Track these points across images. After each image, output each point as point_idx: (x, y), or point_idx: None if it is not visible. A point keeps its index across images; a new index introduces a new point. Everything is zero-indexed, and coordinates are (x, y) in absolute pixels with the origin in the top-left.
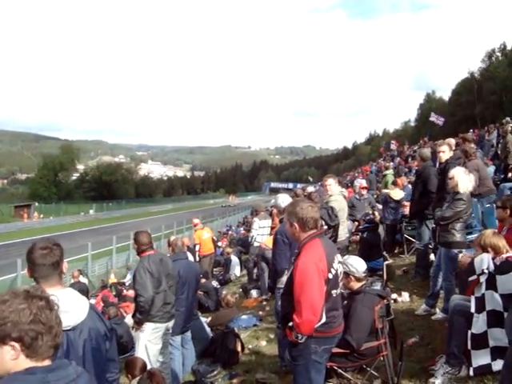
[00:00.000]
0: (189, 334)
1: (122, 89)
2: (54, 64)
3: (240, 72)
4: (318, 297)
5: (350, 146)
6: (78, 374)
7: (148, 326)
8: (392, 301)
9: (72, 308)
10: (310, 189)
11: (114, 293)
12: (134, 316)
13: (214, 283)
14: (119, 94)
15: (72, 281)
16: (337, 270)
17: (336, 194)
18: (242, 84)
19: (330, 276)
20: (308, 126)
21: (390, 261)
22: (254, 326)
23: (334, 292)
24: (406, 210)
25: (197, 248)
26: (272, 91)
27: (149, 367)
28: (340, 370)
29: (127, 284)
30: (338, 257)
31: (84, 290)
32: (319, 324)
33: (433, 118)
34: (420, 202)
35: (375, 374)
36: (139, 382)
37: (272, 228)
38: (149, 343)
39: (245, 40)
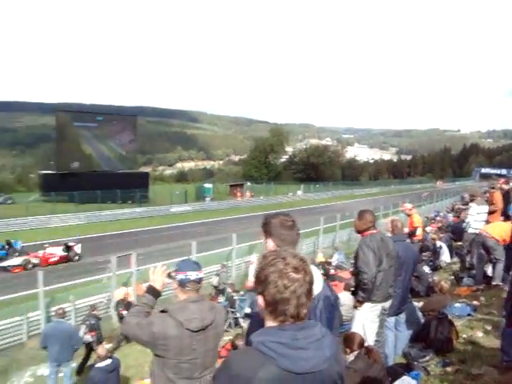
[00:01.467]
0: (403, 316)
1: (328, 73)
2: (263, 53)
3: (444, 52)
4: None
5: None
6: (323, 334)
7: (366, 305)
8: None
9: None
10: None
11: (321, 272)
12: (354, 293)
13: (426, 268)
14: (326, 78)
15: None
16: None
17: None
18: (446, 64)
19: None
20: None
21: None
22: (468, 315)
23: None
24: None
25: (418, 232)
26: (481, 71)
27: (365, 344)
28: None
29: (333, 264)
30: None
31: None
32: None
33: None
34: None
35: None
36: (357, 356)
37: (491, 213)
38: (366, 321)
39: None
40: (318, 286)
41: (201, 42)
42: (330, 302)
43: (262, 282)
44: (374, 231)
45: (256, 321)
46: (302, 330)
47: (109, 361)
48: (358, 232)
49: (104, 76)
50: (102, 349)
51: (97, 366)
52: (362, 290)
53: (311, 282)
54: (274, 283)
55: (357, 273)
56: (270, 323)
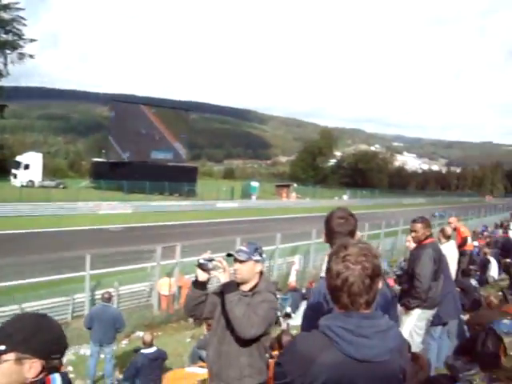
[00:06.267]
0: (447, 326)
1: (382, 80)
2: (319, 55)
3: (500, 63)
4: None
5: None
6: (389, 327)
7: (415, 312)
8: None
9: None
10: None
11: None
12: (401, 299)
13: (473, 282)
14: (379, 85)
15: None
16: None
17: None
18: (503, 77)
19: None
20: None
21: None
22: None
23: None
24: None
25: (469, 241)
26: None
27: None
28: None
29: None
30: None
31: None
32: None
33: None
34: None
35: None
36: None
37: None
38: (414, 328)
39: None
40: None
41: (259, 41)
42: (387, 298)
43: (326, 268)
44: (433, 239)
45: (311, 311)
46: (367, 319)
47: (154, 349)
48: (419, 241)
49: (160, 69)
50: (148, 335)
51: (142, 351)
52: (413, 298)
53: (371, 275)
54: (331, 269)
55: (408, 280)
56: (336, 309)
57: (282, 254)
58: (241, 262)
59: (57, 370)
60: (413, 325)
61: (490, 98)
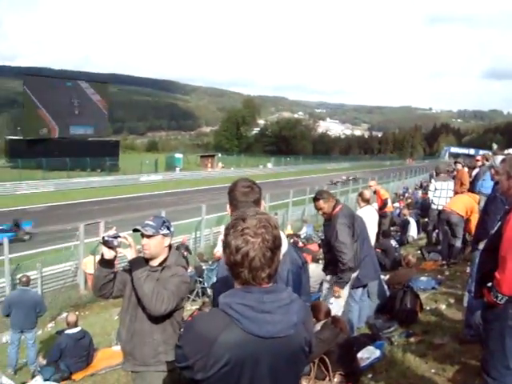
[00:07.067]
0: (367, 287)
1: (303, 47)
2: (239, 21)
3: (421, 28)
4: None
5: None
6: (292, 300)
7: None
8: None
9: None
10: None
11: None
12: (325, 269)
13: (393, 242)
14: (299, 52)
15: None
16: None
17: None
18: (422, 42)
19: None
20: (497, 89)
21: None
22: (433, 288)
23: None
24: None
25: (389, 203)
26: (460, 49)
27: (332, 314)
28: None
29: (302, 236)
30: None
31: None
32: None
33: None
34: None
35: None
36: (323, 326)
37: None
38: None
39: None
40: (284, 248)
41: (179, 9)
42: (298, 264)
43: (223, 242)
44: (341, 205)
45: (221, 285)
46: (269, 294)
47: (78, 329)
48: (329, 215)
49: (76, 41)
50: (73, 316)
51: (66, 332)
52: (341, 272)
53: (272, 247)
54: (229, 244)
55: (329, 249)
56: (236, 285)
57: (208, 225)
58: (148, 236)
59: None
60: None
61: (408, 64)
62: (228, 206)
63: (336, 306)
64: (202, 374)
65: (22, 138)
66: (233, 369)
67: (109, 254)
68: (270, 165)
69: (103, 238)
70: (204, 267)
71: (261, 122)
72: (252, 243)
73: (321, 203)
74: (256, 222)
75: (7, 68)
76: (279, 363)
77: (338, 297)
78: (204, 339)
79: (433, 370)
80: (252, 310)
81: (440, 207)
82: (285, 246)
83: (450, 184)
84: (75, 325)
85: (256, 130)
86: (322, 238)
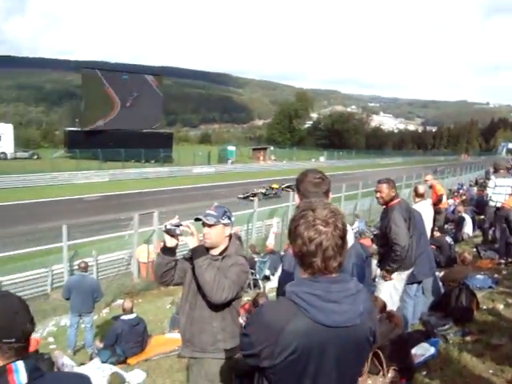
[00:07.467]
0: (422, 284)
1: (357, 41)
2: (292, 17)
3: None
4: None
5: None
6: (358, 290)
7: (394, 275)
8: None
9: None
10: None
11: None
12: (380, 263)
13: (448, 239)
14: (354, 46)
15: None
16: None
17: None
18: (479, 37)
19: None
20: None
21: None
22: (490, 287)
23: None
24: None
25: (444, 199)
26: None
27: (388, 309)
28: None
29: (354, 231)
30: None
31: None
32: None
33: None
34: None
35: None
36: (379, 320)
37: None
38: (393, 289)
39: None
40: (350, 241)
41: (233, 3)
42: (362, 258)
43: (291, 232)
44: (399, 199)
45: (286, 275)
46: (336, 283)
47: (134, 315)
48: (385, 203)
49: (132, 35)
50: (128, 302)
51: (122, 318)
52: (393, 262)
53: (342, 236)
54: (300, 235)
55: (384, 243)
56: (302, 275)
57: (260, 217)
58: (209, 226)
59: (24, 353)
60: (392, 287)
61: (465, 57)
62: (296, 195)
63: (390, 301)
64: (269, 362)
65: (79, 129)
66: (299, 357)
67: (171, 242)
68: (322, 158)
69: (165, 226)
70: (256, 259)
71: (313, 115)
72: (325, 233)
73: (383, 187)
74: (326, 212)
75: (66, 62)
76: (345, 352)
77: (389, 279)
78: (272, 328)
79: (491, 371)
80: (319, 300)
81: (498, 204)
82: (351, 240)
83: (510, 181)
84: (131, 311)
85: (309, 124)
86: (375, 232)
